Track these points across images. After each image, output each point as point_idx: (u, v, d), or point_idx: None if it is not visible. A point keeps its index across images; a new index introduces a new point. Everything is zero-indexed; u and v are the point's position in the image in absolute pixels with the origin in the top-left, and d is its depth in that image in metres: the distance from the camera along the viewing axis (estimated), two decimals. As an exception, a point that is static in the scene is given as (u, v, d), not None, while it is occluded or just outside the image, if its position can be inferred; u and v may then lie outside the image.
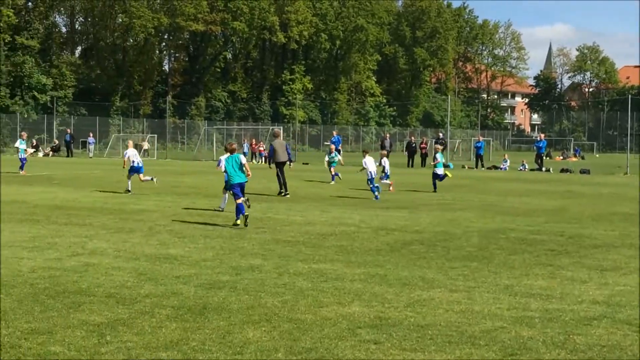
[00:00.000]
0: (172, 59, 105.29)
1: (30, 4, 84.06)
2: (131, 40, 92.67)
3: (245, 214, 16.68)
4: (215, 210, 20.10)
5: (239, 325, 8.24)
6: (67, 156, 64.02)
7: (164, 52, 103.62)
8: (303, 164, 54.09)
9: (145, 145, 68.10)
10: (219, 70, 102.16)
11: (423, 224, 17.65)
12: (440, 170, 28.70)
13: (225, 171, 17.71)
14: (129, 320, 8.36)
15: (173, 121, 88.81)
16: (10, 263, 11.66)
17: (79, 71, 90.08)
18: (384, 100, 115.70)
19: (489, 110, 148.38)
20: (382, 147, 48.31)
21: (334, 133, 50.97)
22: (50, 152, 68.79)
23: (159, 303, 9.16)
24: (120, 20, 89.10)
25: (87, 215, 18.54)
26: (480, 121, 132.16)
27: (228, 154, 17.73)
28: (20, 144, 37.94)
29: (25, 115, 77.24)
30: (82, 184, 29.90)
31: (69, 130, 71.31)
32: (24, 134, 40.56)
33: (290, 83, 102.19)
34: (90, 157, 65.20)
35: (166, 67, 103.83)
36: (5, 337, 7.55)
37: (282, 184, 26.27)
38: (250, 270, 11.38)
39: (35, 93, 78.71)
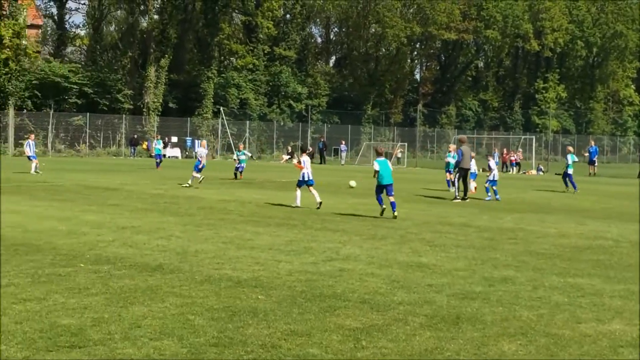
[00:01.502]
0: (424, 67, 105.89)
1: (288, 16, 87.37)
2: (383, 49, 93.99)
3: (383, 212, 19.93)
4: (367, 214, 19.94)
5: (494, 337, 8.09)
6: (320, 163, 65.90)
7: (416, 60, 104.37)
8: (556, 174, 52.57)
9: (399, 153, 68.86)
10: (470, 78, 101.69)
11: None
12: None
13: (377, 172, 20.21)
14: (383, 326, 8.43)
15: (423, 130, 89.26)
16: (270, 265, 12.11)
17: (333, 80, 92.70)
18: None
19: None
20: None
21: (592, 143, 49.30)
22: (305, 159, 70.94)
23: (413, 311, 9.18)
24: (373, 30, 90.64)
25: (341, 221, 18.94)
26: None
27: (381, 158, 20.55)
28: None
29: (282, 123, 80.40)
30: (335, 190, 30.62)
31: (322, 138, 73.44)
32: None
33: (544, 92, 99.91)
34: (342, 165, 66.75)
35: (417, 76, 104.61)
36: (267, 337, 7.83)
37: (465, 190, 26.69)
38: (503, 282, 11.16)
39: (291, 101, 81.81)
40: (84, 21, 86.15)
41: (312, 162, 25.32)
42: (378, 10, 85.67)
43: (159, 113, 74.72)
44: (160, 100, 74.62)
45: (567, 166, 33.21)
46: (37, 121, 67.79)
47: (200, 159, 31.57)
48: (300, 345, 7.60)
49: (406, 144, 75.00)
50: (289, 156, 71.66)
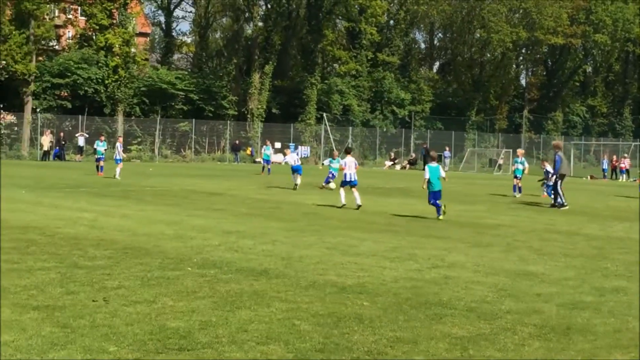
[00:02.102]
0: (529, 73, 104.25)
1: (392, 21, 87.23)
2: (488, 55, 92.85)
3: (440, 216, 20.88)
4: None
5: (606, 349, 7.86)
6: (423, 169, 65.29)
7: (521, 66, 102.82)
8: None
9: (500, 161, 68.00)
10: (577, 84, 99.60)
11: None
12: None
13: (429, 180, 21.23)
14: (490, 335, 8.28)
15: (529, 136, 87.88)
16: (374, 272, 12.06)
17: (437, 86, 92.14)
18: None
19: None
20: None
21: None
22: (407, 165, 70.83)
23: (521, 320, 8.99)
24: (478, 35, 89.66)
25: (445, 228, 18.77)
26: None
27: (434, 164, 21.91)
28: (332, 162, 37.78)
29: (385, 129, 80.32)
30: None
31: (424, 144, 73.05)
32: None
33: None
34: (446, 171, 66.19)
35: (523, 81, 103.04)
36: (373, 344, 7.78)
37: (562, 194, 26.37)
38: (615, 292, 10.85)
39: (395, 107, 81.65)
40: (191, 29, 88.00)
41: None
42: (483, 15, 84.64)
43: (263, 119, 75.54)
44: (264, 107, 75.43)
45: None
46: (145, 127, 69.43)
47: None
48: (407, 352, 7.53)
49: (511, 150, 73.87)
50: (392, 162, 71.60)
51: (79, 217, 18.73)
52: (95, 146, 43.73)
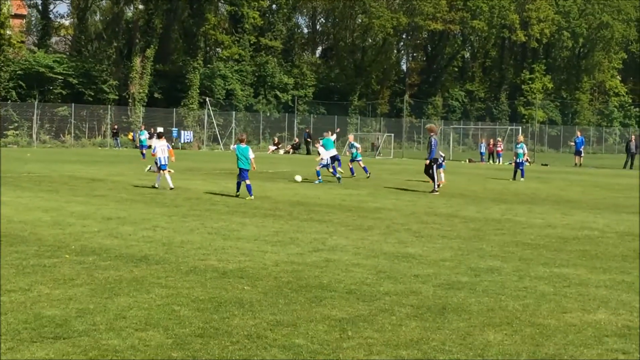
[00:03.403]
0: (410, 58, 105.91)
1: (274, 6, 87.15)
2: (370, 40, 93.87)
3: (251, 196, 21.72)
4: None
5: (479, 327, 8.10)
6: (307, 154, 65.78)
7: (402, 51, 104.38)
8: (542, 165, 52.78)
9: (381, 145, 68.90)
10: (456, 69, 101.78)
11: (673, 231, 16.68)
12: None
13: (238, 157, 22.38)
14: (369, 317, 8.42)
15: (410, 120, 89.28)
16: (256, 256, 12.09)
17: (319, 71, 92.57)
18: (629, 100, 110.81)
19: None
20: (627, 149, 46.36)
21: (578, 134, 49.45)
22: (291, 150, 71.05)
23: (399, 301, 9.18)
24: (359, 20, 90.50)
25: (327, 212, 18.92)
26: None
27: (241, 144, 22.99)
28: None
29: (268, 114, 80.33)
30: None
31: (307, 129, 73.43)
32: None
33: (530, 82, 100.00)
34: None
35: (404, 66, 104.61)
36: (253, 328, 7.81)
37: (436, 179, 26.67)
38: (489, 272, 11.18)
39: (278, 92, 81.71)
40: (69, 11, 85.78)
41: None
42: (364, 0, 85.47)
43: (145, 104, 74.44)
44: (146, 91, 74.33)
45: (518, 155, 33.91)
46: (22, 112, 67.44)
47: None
48: (286, 335, 7.59)
49: (393, 134, 75.01)
50: (275, 147, 71.66)
51: (-49, 205, 18.12)
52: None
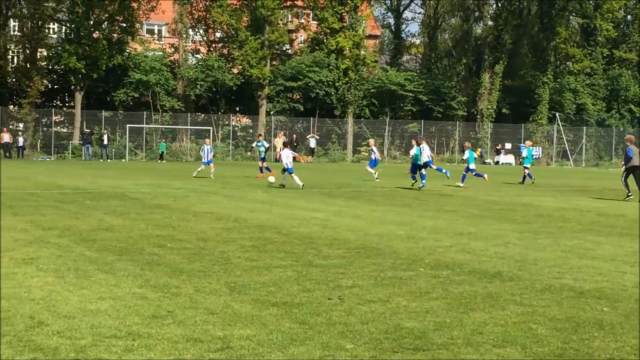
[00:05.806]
0: None
1: (629, 17, 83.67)
2: None
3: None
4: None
5: None
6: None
7: None
8: None
9: None
10: None
11: None
12: None
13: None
14: None
15: None
16: (614, 276, 11.56)
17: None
18: None
19: None
20: None
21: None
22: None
23: None
24: None
25: (690, 232, 17.72)
26: None
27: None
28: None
29: (621, 129, 77.13)
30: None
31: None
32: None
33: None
34: None
35: None
36: (615, 352, 7.45)
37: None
38: None
39: (632, 106, 78.17)
40: (420, 30, 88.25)
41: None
42: None
43: (492, 119, 74.62)
44: (494, 107, 74.52)
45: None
46: (374, 128, 70.39)
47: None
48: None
49: None
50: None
51: (312, 217, 19.19)
52: (254, 145, 43.41)
